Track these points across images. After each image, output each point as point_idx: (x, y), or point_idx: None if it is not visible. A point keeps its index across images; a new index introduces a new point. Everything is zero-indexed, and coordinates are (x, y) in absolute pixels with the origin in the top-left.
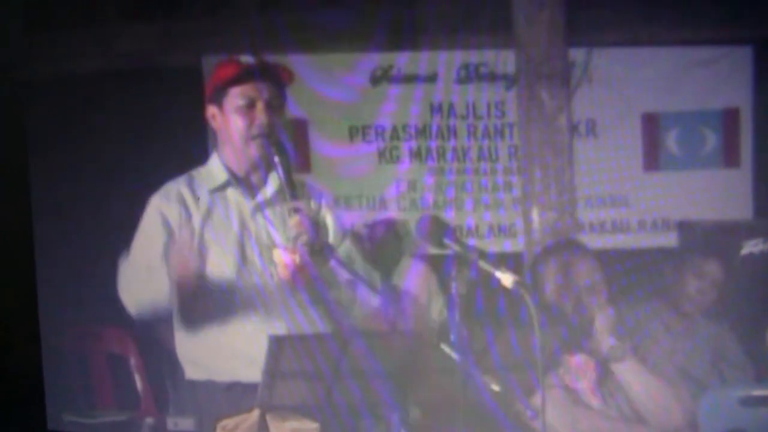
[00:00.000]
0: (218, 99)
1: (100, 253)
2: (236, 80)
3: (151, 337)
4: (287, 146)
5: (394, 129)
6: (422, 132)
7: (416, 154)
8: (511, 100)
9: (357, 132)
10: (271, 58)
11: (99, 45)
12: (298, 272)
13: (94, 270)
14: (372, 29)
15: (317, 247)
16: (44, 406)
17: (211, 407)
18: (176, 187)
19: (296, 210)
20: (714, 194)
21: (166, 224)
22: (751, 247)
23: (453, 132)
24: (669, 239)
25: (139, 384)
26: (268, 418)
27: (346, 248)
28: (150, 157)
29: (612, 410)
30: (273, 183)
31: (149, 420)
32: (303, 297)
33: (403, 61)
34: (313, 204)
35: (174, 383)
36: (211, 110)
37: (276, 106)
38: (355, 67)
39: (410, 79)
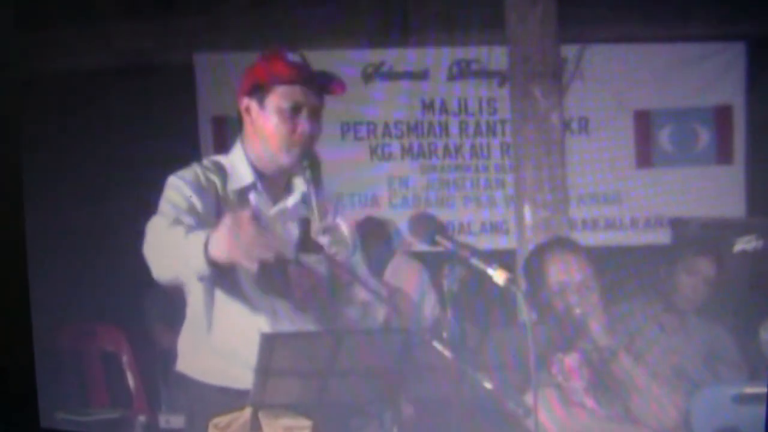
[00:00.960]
0: (259, 94)
1: (93, 251)
2: (288, 81)
3: (144, 334)
4: (320, 160)
5: (386, 126)
6: (414, 129)
7: (408, 151)
8: (503, 97)
9: (348, 129)
10: (316, 55)
11: (94, 42)
12: (312, 290)
13: (86, 268)
14: (363, 26)
15: (331, 257)
16: (37, 404)
17: (203, 405)
18: (205, 173)
19: (326, 230)
20: (707, 191)
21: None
22: (743, 243)
23: (445, 129)
24: (662, 236)
25: (131, 382)
26: (261, 416)
27: (356, 258)
28: (144, 154)
29: (605, 409)
30: (297, 192)
31: (141, 417)
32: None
33: (395, 57)
34: (329, 219)
35: (166, 381)
36: (247, 103)
37: (318, 115)
38: (346, 63)
39: (402, 75)
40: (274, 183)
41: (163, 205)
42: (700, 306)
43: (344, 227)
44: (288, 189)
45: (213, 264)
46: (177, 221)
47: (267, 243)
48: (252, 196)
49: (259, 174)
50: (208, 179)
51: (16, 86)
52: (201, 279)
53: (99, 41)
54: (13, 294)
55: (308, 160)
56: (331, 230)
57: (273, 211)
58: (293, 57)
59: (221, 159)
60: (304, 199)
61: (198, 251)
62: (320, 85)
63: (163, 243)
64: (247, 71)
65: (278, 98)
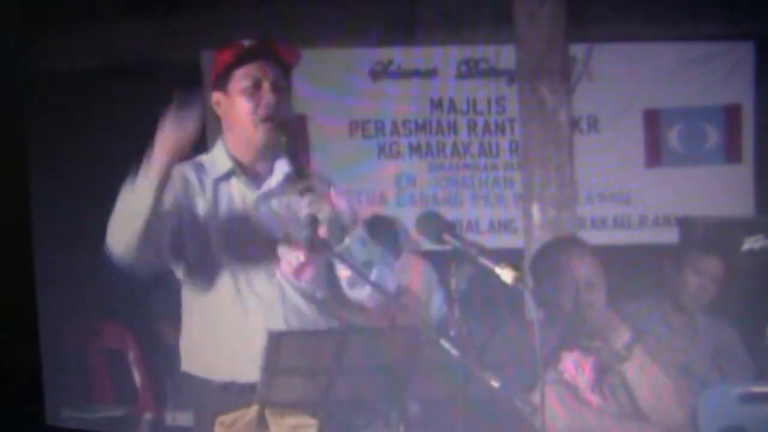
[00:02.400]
0: (223, 84)
1: (98, 249)
2: (240, 61)
3: (150, 332)
4: (293, 128)
5: (394, 124)
6: (422, 127)
7: (416, 150)
8: (512, 96)
9: (357, 127)
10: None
11: (100, 41)
12: (302, 268)
13: (92, 266)
14: (372, 24)
15: (336, 228)
16: (43, 401)
17: (208, 403)
18: (182, 171)
19: (309, 189)
20: (715, 190)
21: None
22: (751, 243)
23: (453, 127)
24: (670, 235)
25: (137, 379)
26: (267, 414)
27: (359, 234)
28: (149, 152)
29: (612, 407)
30: (279, 172)
31: (147, 415)
32: (304, 293)
33: (403, 56)
34: (323, 185)
35: (172, 378)
36: (216, 97)
37: (283, 87)
38: (355, 62)
39: (410, 74)
40: (256, 168)
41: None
42: (708, 305)
43: (338, 196)
44: (272, 173)
45: (160, 171)
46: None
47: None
48: (233, 183)
49: (240, 163)
50: (190, 174)
51: (21, 85)
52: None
53: (105, 39)
54: (19, 292)
55: (281, 128)
56: (312, 190)
57: (258, 193)
58: (248, 41)
59: (202, 157)
60: (287, 180)
61: (145, 185)
62: (277, 57)
63: (119, 211)
64: (211, 69)
65: (238, 80)
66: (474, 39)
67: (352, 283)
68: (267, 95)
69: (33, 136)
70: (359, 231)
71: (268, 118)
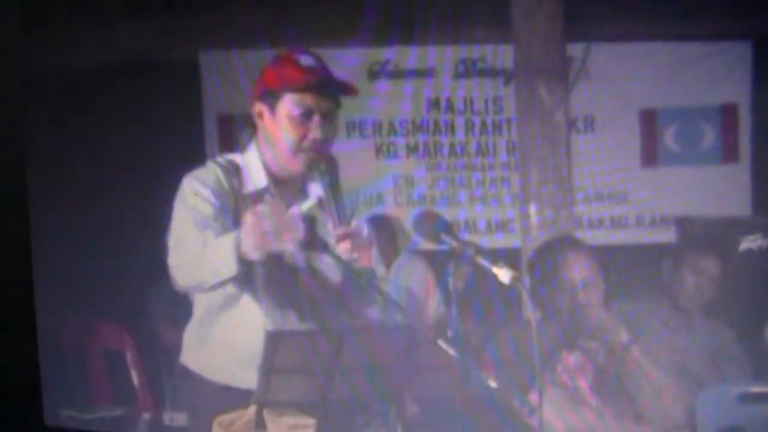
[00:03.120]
0: (271, 100)
1: (97, 249)
2: (299, 88)
3: (148, 332)
4: (337, 163)
5: (391, 124)
6: (420, 127)
7: (413, 150)
8: (509, 96)
9: (353, 127)
10: (338, 74)
11: (99, 40)
12: (323, 295)
13: (90, 266)
14: (369, 24)
15: (357, 275)
16: (41, 401)
17: (206, 403)
18: (220, 174)
19: (347, 236)
20: (712, 190)
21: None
22: (749, 242)
23: (451, 127)
24: (667, 235)
25: (135, 379)
26: (265, 414)
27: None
28: (149, 152)
29: (610, 408)
30: (312, 197)
31: (146, 415)
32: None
33: (400, 56)
34: (359, 227)
35: (171, 378)
36: (260, 108)
37: (331, 119)
38: (351, 62)
39: (407, 74)
40: (289, 188)
41: (183, 210)
42: (706, 305)
43: (365, 232)
44: (303, 194)
45: (244, 262)
46: (202, 226)
47: (294, 226)
48: (267, 199)
49: (273, 178)
50: (225, 180)
51: (20, 84)
52: (231, 281)
53: (104, 39)
54: (18, 292)
55: (325, 164)
56: (353, 237)
57: (288, 215)
58: (305, 60)
59: (236, 158)
60: (320, 205)
61: (228, 252)
62: (332, 91)
63: (190, 250)
64: (259, 76)
65: (289, 105)
66: (471, 38)
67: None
68: (315, 129)
69: (31, 135)
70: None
71: (310, 150)
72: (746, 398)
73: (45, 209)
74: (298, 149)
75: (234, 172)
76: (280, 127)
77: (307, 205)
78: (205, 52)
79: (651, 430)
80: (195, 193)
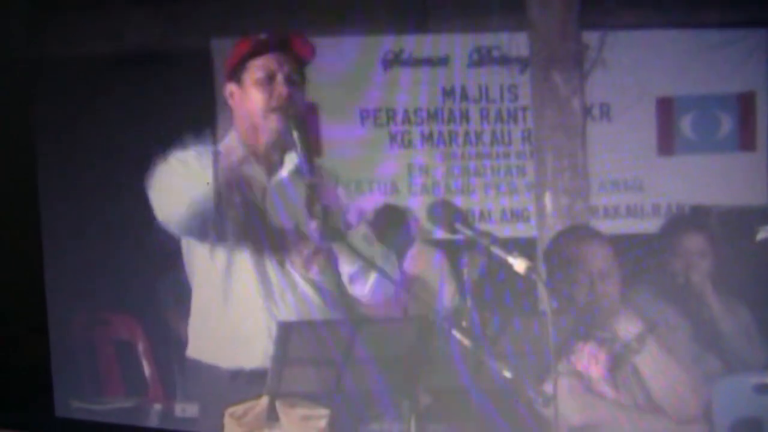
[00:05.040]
0: (237, 75)
1: (108, 240)
2: (255, 53)
3: (159, 323)
4: (306, 121)
5: (406, 113)
6: (434, 116)
7: (428, 138)
8: (524, 84)
9: (368, 116)
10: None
11: (108, 28)
12: (312, 259)
13: (101, 257)
14: (383, 12)
15: (335, 225)
16: (52, 393)
17: (216, 392)
18: (200, 158)
19: (314, 186)
20: (729, 178)
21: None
22: (766, 231)
23: (465, 116)
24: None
25: (146, 370)
26: (278, 405)
27: (362, 231)
28: (158, 143)
29: (625, 398)
30: (289, 164)
31: (157, 406)
32: (315, 283)
33: (415, 44)
34: (329, 182)
35: (182, 369)
36: (230, 88)
37: (297, 81)
38: (366, 50)
39: (421, 62)
40: (268, 159)
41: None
42: (723, 293)
43: (342, 194)
44: (282, 162)
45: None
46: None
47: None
48: (245, 170)
49: (252, 151)
50: (204, 160)
51: (29, 74)
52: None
53: (113, 27)
54: (28, 283)
55: (293, 121)
56: (321, 186)
57: (269, 183)
58: (262, 35)
59: (217, 147)
60: (298, 170)
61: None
62: (292, 52)
63: (170, 173)
64: (226, 61)
65: (253, 71)
66: (486, 26)
67: (353, 279)
68: (279, 87)
69: (41, 126)
70: (363, 228)
71: (279, 109)
72: (763, 389)
73: (56, 199)
74: (267, 109)
75: (210, 155)
76: (249, 96)
77: (285, 170)
78: (217, 40)
79: (666, 421)
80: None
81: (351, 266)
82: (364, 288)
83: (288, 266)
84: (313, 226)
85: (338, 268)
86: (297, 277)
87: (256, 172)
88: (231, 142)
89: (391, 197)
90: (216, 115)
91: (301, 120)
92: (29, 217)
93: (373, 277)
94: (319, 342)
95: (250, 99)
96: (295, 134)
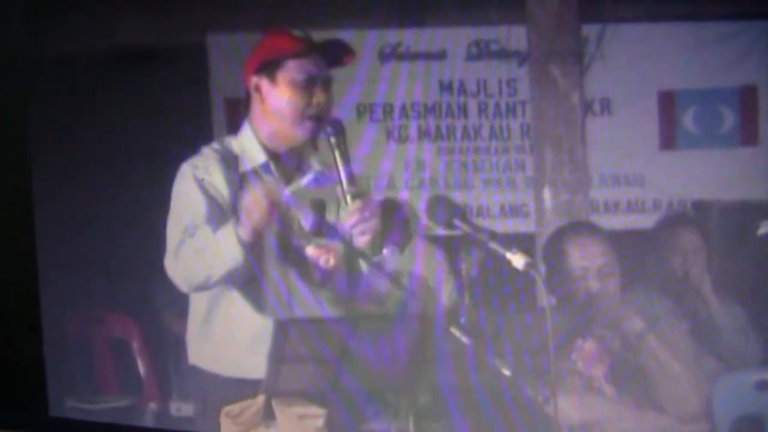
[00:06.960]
0: (269, 71)
1: (103, 238)
2: (296, 53)
3: (154, 321)
4: (344, 126)
5: (403, 107)
6: (432, 110)
7: (425, 133)
8: (523, 78)
9: (365, 110)
10: (331, 35)
11: (104, 24)
12: (331, 272)
13: (96, 255)
14: (381, 5)
15: (378, 239)
16: (46, 392)
17: (216, 395)
18: (214, 159)
19: (358, 195)
20: (731, 173)
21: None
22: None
23: (463, 110)
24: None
25: (141, 369)
26: (274, 403)
27: (393, 247)
28: (154, 140)
29: (625, 396)
30: (309, 171)
31: (152, 405)
32: (315, 283)
33: (413, 38)
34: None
35: (177, 368)
36: (257, 81)
37: (330, 87)
38: (363, 44)
39: (419, 56)
40: (287, 163)
41: (180, 205)
42: (724, 288)
43: (374, 204)
44: (300, 169)
45: (248, 243)
46: (197, 226)
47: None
48: (265, 177)
49: (271, 153)
50: (220, 164)
51: (24, 71)
52: (235, 272)
53: (109, 22)
54: (22, 282)
55: (332, 126)
56: (363, 197)
57: (288, 191)
58: (297, 32)
59: (231, 141)
60: (318, 179)
61: (230, 241)
62: (331, 56)
63: (190, 250)
64: (254, 50)
65: (291, 72)
66: (484, 20)
67: (351, 277)
68: (319, 94)
69: (35, 124)
70: (392, 244)
71: (315, 117)
72: (764, 386)
73: (51, 197)
74: (303, 116)
75: (227, 154)
76: (282, 95)
77: (294, 186)
78: (213, 35)
79: (667, 419)
80: (186, 181)
81: (351, 264)
82: (361, 285)
83: (289, 268)
84: (311, 220)
85: (340, 267)
86: (297, 279)
87: (273, 177)
88: (247, 140)
89: (389, 192)
90: (211, 110)
91: (340, 122)
92: (24, 215)
93: (370, 274)
94: (316, 339)
95: (282, 99)
96: (334, 140)
